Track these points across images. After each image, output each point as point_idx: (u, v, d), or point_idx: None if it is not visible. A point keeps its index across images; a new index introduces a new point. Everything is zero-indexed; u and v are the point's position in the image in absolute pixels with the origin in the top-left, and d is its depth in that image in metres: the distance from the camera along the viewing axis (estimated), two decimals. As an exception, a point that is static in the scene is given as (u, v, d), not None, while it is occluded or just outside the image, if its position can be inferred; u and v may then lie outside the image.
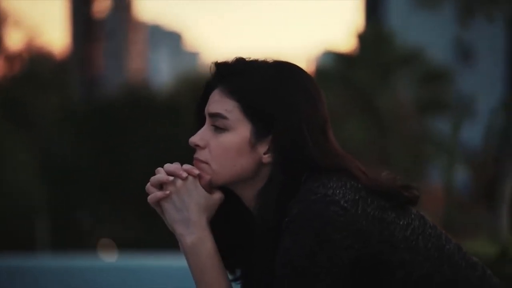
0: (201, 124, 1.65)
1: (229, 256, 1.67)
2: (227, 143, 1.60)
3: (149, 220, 19.05)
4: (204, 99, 1.66)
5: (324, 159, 1.58)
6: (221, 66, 1.64)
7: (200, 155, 1.62)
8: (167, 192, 1.61)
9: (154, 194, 1.62)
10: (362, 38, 21.80)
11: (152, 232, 18.85)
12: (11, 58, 26.22)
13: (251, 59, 1.64)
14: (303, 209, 1.52)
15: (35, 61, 27.14)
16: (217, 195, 1.62)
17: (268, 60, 1.64)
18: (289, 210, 1.54)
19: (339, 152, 1.60)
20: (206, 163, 1.61)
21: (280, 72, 1.62)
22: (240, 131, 1.60)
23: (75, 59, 35.67)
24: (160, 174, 1.62)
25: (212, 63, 1.65)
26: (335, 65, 21.91)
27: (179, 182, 1.61)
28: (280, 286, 1.52)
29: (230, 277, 1.66)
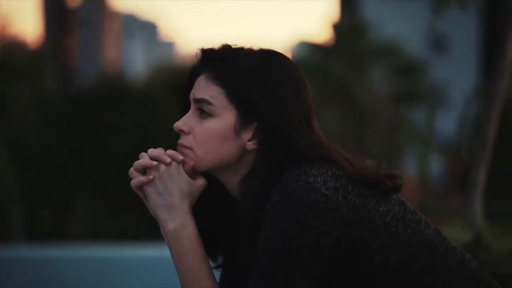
0: (186, 110, 1.66)
1: (211, 242, 1.68)
2: (212, 129, 1.60)
3: (124, 209, 18.99)
4: (189, 85, 1.66)
5: (308, 147, 1.59)
6: (207, 53, 1.64)
7: (184, 140, 1.62)
8: (150, 177, 1.61)
9: (137, 179, 1.62)
10: (338, 28, 21.83)
11: (128, 222, 18.81)
12: (-17, 47, 25.95)
13: (237, 46, 1.65)
14: (284, 197, 1.53)
15: (8, 50, 26.90)
16: (200, 181, 1.63)
17: (254, 48, 1.65)
18: (271, 198, 1.55)
19: (323, 140, 1.62)
20: (190, 148, 1.62)
21: (266, 60, 1.62)
22: (225, 117, 1.60)
23: (49, 48, 35.39)
24: (144, 159, 1.63)
25: (198, 49, 1.65)
26: (311, 55, 21.92)
27: (162, 167, 1.61)
28: (260, 273, 1.53)
29: (212, 264, 1.67)
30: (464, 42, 26.23)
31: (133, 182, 1.61)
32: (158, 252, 6.43)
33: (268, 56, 1.63)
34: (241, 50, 1.64)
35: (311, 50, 22.11)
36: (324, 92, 20.79)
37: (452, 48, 26.92)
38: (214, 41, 1.71)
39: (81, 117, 22.57)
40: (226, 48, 1.64)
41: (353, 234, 1.54)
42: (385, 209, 1.58)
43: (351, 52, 20.80)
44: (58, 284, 6.70)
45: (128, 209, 17.72)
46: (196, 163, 1.61)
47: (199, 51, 1.65)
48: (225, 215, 1.66)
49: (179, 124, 1.63)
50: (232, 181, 1.61)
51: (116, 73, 31.81)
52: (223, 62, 1.61)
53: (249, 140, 1.60)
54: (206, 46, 1.64)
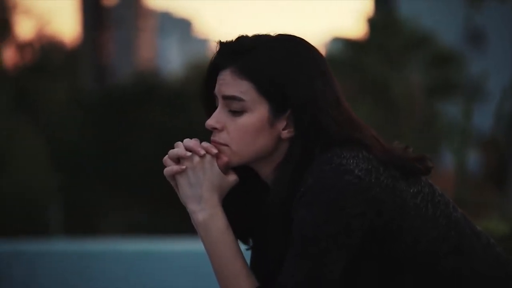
0: (208, 105, 1.66)
1: (241, 228, 1.67)
2: (246, 125, 1.60)
3: (158, 206, 19.13)
4: (210, 80, 1.65)
5: (339, 130, 1.58)
6: (227, 46, 1.63)
7: (218, 137, 1.62)
8: (183, 167, 1.62)
9: (170, 168, 1.63)
10: (372, 23, 21.72)
11: (161, 218, 18.94)
12: (21, 47, 26.28)
13: (255, 35, 1.62)
14: (318, 179, 1.53)
15: (46, 50, 27.20)
16: (232, 177, 1.63)
17: (271, 34, 1.63)
18: (304, 181, 1.55)
19: (354, 121, 1.61)
20: (226, 145, 1.61)
21: (288, 46, 1.61)
22: (258, 111, 1.59)
23: (85, 48, 35.72)
24: (179, 149, 1.63)
25: (217, 42, 1.64)
26: (345, 51, 21.86)
27: (196, 158, 1.61)
28: (294, 255, 1.54)
29: (244, 247, 1.67)
30: (501, 35, 25.95)
31: (166, 170, 1.62)
32: (191, 245, 6.47)
33: (289, 42, 1.61)
34: (260, 38, 1.61)
35: (345, 46, 22.04)
36: (359, 87, 20.72)
37: (489, 41, 26.65)
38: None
39: (117, 115, 22.78)
40: (246, 39, 1.61)
41: (385, 215, 1.54)
42: (415, 190, 1.58)
43: (386, 47, 20.69)
44: (94, 277, 6.77)
45: (161, 205, 17.86)
46: (231, 159, 1.61)
47: (218, 45, 1.63)
48: (256, 202, 1.66)
49: (211, 122, 1.62)
50: (266, 170, 1.62)
51: (151, 71, 32.00)
52: (246, 54, 1.59)
53: (283, 129, 1.59)
54: (225, 39, 1.62)
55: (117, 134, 22.30)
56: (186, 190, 1.61)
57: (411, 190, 1.57)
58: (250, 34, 1.62)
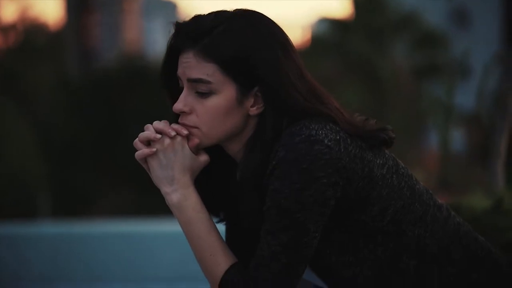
0: (170, 87, 1.65)
1: (216, 206, 1.68)
2: (215, 107, 1.60)
3: (145, 188, 19.12)
4: (170, 62, 1.64)
5: (307, 103, 1.60)
6: (186, 27, 1.61)
7: (187, 120, 1.62)
8: (154, 149, 1.62)
9: (141, 151, 1.63)
10: (357, 3, 21.70)
11: (149, 200, 18.94)
12: (5, 30, 26.09)
13: (213, 14, 1.61)
14: (289, 151, 1.55)
15: (30, 32, 27.01)
16: (203, 157, 1.64)
17: (228, 11, 1.61)
18: (275, 154, 1.56)
19: (318, 93, 1.63)
20: (196, 127, 1.61)
21: (247, 21, 1.60)
22: (225, 92, 1.59)
23: (70, 30, 35.51)
24: (149, 131, 1.63)
25: (174, 24, 1.62)
26: (331, 32, 21.82)
27: (166, 140, 1.62)
28: (271, 227, 1.56)
29: (215, 219, 1.69)
30: (485, 15, 25.96)
31: (137, 154, 1.62)
32: (175, 226, 6.50)
33: (247, 17, 1.60)
34: (219, 17, 1.59)
35: (331, 26, 22.00)
36: (344, 68, 20.71)
37: (472, 19, 26.66)
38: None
39: (103, 98, 22.70)
40: (204, 18, 1.60)
41: (355, 184, 1.56)
42: (381, 161, 1.60)
43: (371, 27, 20.68)
44: (82, 259, 6.80)
45: (149, 187, 17.80)
46: (202, 140, 1.61)
47: (175, 26, 1.61)
48: (227, 178, 1.67)
49: (179, 106, 1.61)
50: (235, 147, 1.63)
51: (136, 54, 31.85)
52: (207, 35, 1.58)
53: (251, 106, 1.60)
54: (182, 20, 1.60)
55: (104, 117, 22.23)
56: (158, 172, 1.61)
57: (378, 161, 1.60)
58: (204, 13, 1.60)
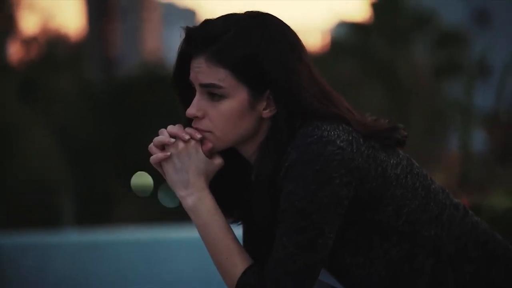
0: (181, 92, 1.67)
1: (231, 209, 1.69)
2: (228, 111, 1.61)
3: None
4: (181, 67, 1.65)
5: (318, 104, 1.61)
6: (197, 32, 1.62)
7: (200, 125, 1.63)
8: (168, 153, 1.63)
9: (156, 155, 1.65)
10: (376, 5, 21.66)
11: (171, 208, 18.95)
12: (27, 41, 26.31)
13: (222, 17, 1.62)
14: (302, 153, 1.56)
15: (52, 43, 27.21)
16: (217, 161, 1.65)
17: (238, 14, 1.62)
18: (288, 156, 1.58)
19: (328, 94, 1.63)
20: (209, 131, 1.63)
21: (259, 25, 1.61)
22: (238, 96, 1.60)
23: (91, 39, 35.74)
24: (163, 136, 1.65)
25: (185, 29, 1.64)
26: (350, 35, 21.78)
27: (180, 144, 1.63)
28: (286, 229, 1.57)
29: (230, 220, 1.70)
30: (506, 14, 25.78)
31: (152, 159, 1.63)
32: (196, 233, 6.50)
33: (257, 19, 1.61)
34: (229, 21, 1.60)
35: (350, 29, 21.96)
36: (365, 70, 20.66)
37: (493, 18, 26.48)
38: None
39: (123, 105, 22.82)
40: (214, 23, 1.61)
41: (368, 184, 1.57)
42: (394, 162, 1.61)
43: (390, 28, 20.62)
44: (107, 267, 6.83)
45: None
46: (215, 144, 1.62)
47: (185, 31, 1.62)
48: (242, 181, 1.67)
49: (192, 111, 1.62)
50: (249, 150, 1.63)
51: (157, 62, 31.97)
52: (218, 40, 1.58)
53: (264, 109, 1.60)
54: (192, 25, 1.62)
55: (125, 124, 22.35)
56: (172, 176, 1.63)
57: (391, 161, 1.60)
58: (214, 17, 1.60)
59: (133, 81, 24.65)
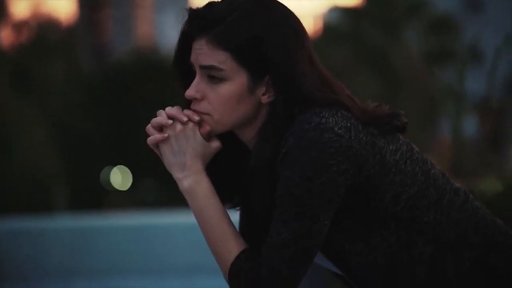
0: (183, 74, 1.66)
1: (228, 193, 1.69)
2: (227, 93, 1.61)
3: (163, 181, 19.19)
4: (182, 49, 1.65)
5: (318, 91, 1.61)
6: (199, 14, 1.62)
7: (199, 107, 1.63)
8: (165, 135, 1.63)
9: (153, 136, 1.64)
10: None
11: (166, 193, 18.99)
12: (18, 26, 26.17)
13: (227, 1, 1.61)
14: (299, 139, 1.56)
15: (43, 28, 27.09)
16: (215, 144, 1.65)
17: None
18: (285, 142, 1.58)
19: (328, 80, 1.64)
20: (208, 114, 1.63)
21: (262, 9, 1.61)
22: (237, 79, 1.60)
23: (82, 25, 35.59)
24: (161, 117, 1.64)
25: (188, 11, 1.63)
26: (343, 21, 21.76)
27: (178, 126, 1.63)
28: (281, 214, 1.57)
29: (228, 205, 1.70)
30: (498, 0, 25.75)
31: (149, 140, 1.63)
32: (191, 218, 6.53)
33: (264, 4, 1.60)
34: (234, 4, 1.59)
35: (343, 15, 21.94)
36: (357, 56, 20.66)
37: (486, 6, 26.47)
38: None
39: (115, 92, 22.76)
40: (217, 5, 1.61)
41: (366, 171, 1.57)
42: (393, 148, 1.60)
43: (383, 14, 20.60)
44: (98, 251, 6.84)
45: (166, 180, 17.92)
46: (213, 127, 1.62)
47: (188, 12, 1.61)
48: (240, 165, 1.68)
49: (191, 92, 1.60)
50: (248, 134, 1.64)
51: (149, 48, 31.86)
52: (220, 22, 1.58)
53: (263, 94, 1.60)
54: (195, 7, 1.60)
55: (118, 110, 22.30)
56: (169, 158, 1.62)
57: (390, 147, 1.60)
58: None
59: (125, 67, 24.59)
